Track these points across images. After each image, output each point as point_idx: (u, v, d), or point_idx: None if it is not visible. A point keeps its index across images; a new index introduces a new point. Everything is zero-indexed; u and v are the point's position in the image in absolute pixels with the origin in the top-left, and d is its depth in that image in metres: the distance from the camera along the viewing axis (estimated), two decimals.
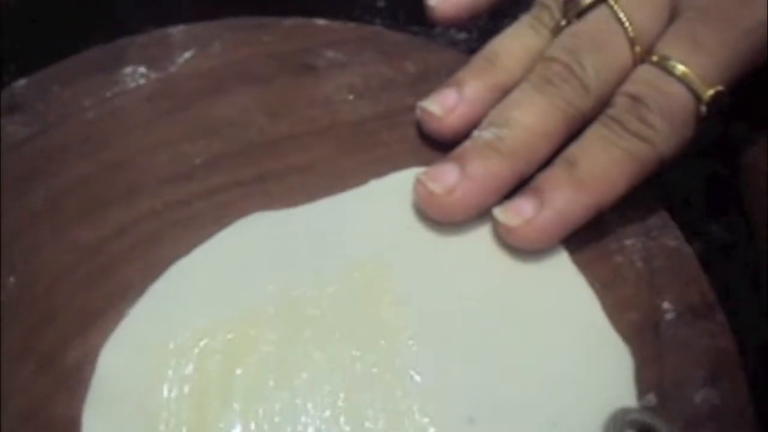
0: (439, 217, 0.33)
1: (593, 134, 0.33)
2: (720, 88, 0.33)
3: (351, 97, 0.37)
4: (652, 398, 0.31)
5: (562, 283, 0.33)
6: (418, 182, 0.33)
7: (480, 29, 0.47)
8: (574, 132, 0.34)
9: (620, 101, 0.33)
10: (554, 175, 0.33)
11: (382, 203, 0.34)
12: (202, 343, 0.30)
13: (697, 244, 0.35)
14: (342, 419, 0.29)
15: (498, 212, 0.33)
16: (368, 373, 0.30)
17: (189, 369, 0.30)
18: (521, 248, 0.33)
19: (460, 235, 0.33)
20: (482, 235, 0.33)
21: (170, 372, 0.30)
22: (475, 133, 0.34)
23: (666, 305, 0.32)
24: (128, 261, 0.32)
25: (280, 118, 0.36)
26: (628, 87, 0.33)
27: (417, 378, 0.30)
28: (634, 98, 0.33)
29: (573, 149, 0.33)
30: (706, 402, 0.31)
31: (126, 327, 0.31)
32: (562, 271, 0.33)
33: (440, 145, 0.35)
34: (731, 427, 0.30)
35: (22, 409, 0.29)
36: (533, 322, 0.32)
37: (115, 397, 0.29)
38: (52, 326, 0.30)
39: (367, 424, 0.29)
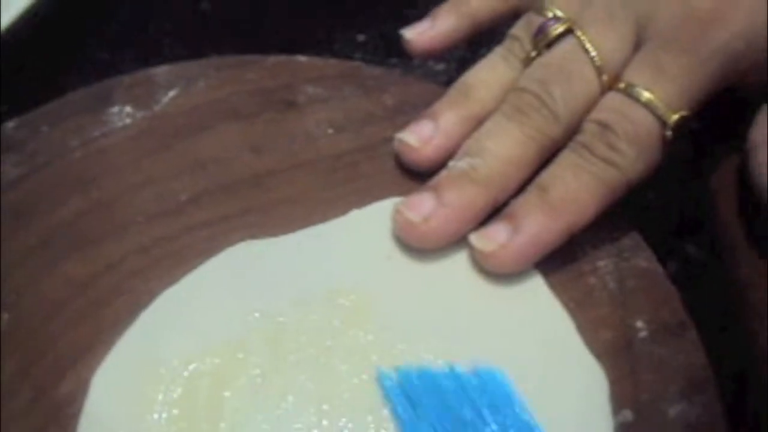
0: (417, 245, 0.34)
1: (564, 160, 0.34)
2: (684, 112, 0.34)
3: (331, 131, 0.38)
4: (628, 414, 0.31)
5: (538, 306, 0.33)
6: (397, 211, 0.34)
7: (457, 60, 0.48)
8: (546, 159, 0.35)
9: (589, 128, 0.34)
10: (527, 201, 0.34)
11: (363, 232, 0.35)
12: (191, 367, 0.31)
13: (670, 263, 0.36)
14: None
15: (474, 238, 0.34)
16: (351, 396, 0.31)
17: (178, 392, 0.30)
18: (497, 272, 0.33)
19: (438, 261, 0.34)
20: (460, 261, 0.34)
21: (160, 396, 0.30)
22: (451, 163, 0.35)
23: (639, 324, 0.33)
24: (118, 295, 0.33)
25: (264, 153, 0.37)
26: (596, 114, 0.34)
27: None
28: (602, 125, 0.34)
29: (544, 176, 0.34)
30: (681, 417, 0.31)
31: (116, 354, 0.31)
32: (537, 295, 0.34)
33: (418, 175, 0.36)
34: None
35: None
36: (510, 345, 0.32)
37: (107, 422, 0.30)
38: (44, 360, 0.31)
39: None
